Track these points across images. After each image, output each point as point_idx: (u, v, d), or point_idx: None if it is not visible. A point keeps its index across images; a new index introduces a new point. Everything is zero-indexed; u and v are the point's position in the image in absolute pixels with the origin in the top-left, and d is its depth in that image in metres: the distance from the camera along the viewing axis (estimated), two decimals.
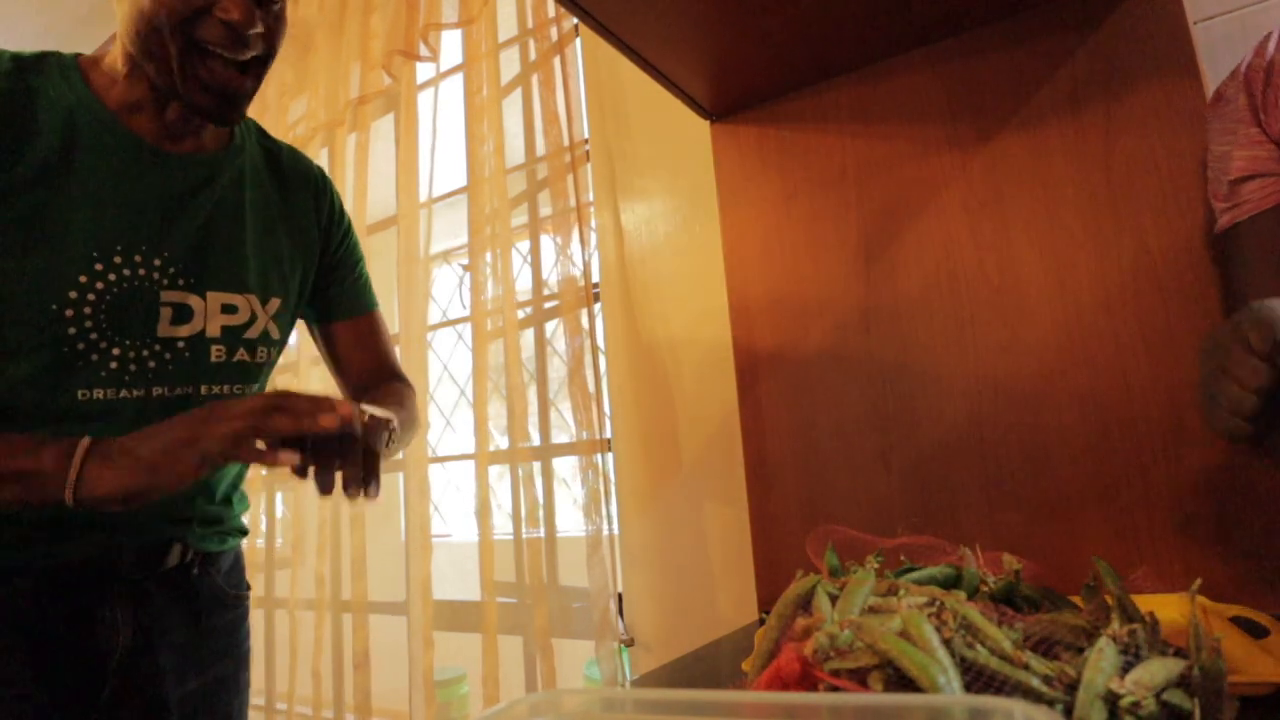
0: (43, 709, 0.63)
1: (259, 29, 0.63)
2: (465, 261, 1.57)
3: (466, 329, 1.63)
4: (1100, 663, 0.39)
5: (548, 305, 1.44)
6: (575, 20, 1.28)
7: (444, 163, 1.57)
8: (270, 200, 0.78)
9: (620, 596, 1.21)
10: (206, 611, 0.76)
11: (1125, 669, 0.39)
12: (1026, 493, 0.81)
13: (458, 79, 1.61)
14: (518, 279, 1.42)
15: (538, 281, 1.45)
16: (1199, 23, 0.81)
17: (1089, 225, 0.81)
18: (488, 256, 1.40)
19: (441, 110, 1.58)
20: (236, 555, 0.83)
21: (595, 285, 1.29)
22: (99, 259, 0.62)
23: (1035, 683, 0.39)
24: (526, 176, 1.47)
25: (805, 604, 0.52)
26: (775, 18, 0.85)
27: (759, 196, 1.03)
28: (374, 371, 0.88)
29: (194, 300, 0.68)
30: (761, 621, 0.68)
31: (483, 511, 1.37)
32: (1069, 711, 0.37)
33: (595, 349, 1.27)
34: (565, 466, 1.53)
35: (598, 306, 1.30)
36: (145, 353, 0.66)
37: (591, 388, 1.23)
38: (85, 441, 0.55)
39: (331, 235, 0.85)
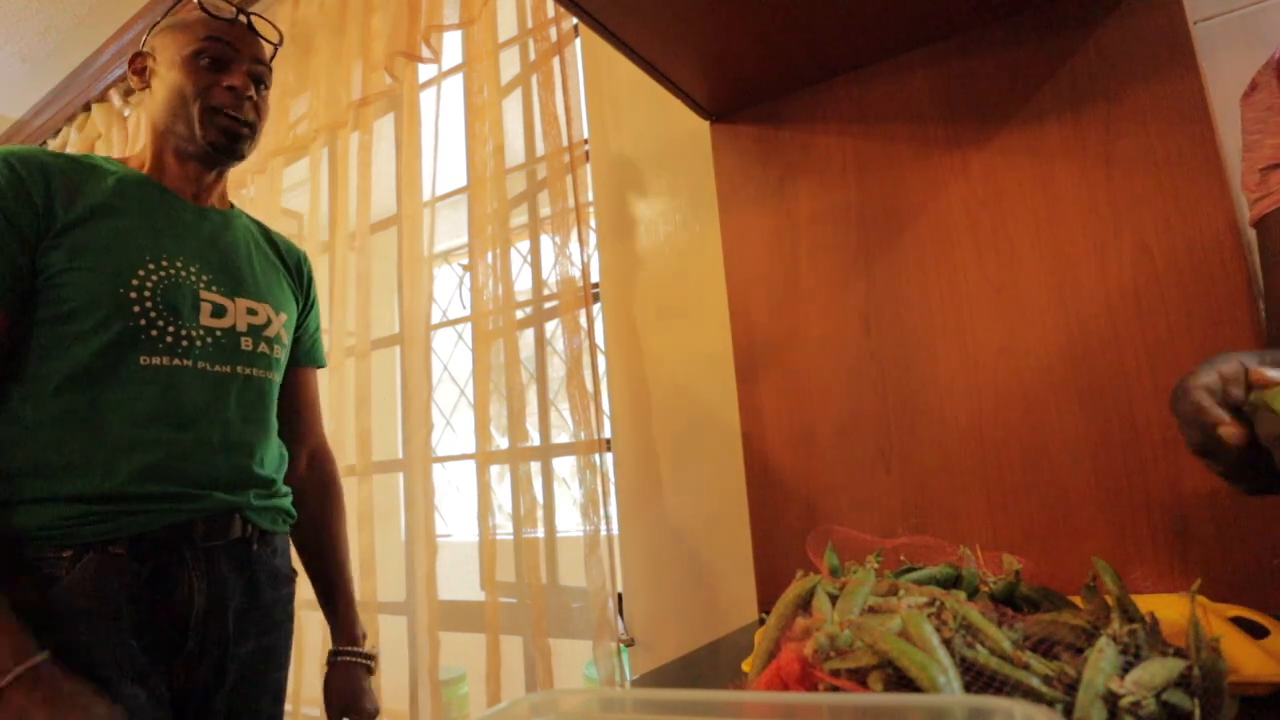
0: (139, 656, 0.76)
1: (252, 95, 0.91)
2: (465, 261, 1.57)
3: (466, 329, 1.63)
4: (1100, 663, 0.39)
5: (547, 305, 1.44)
6: (575, 20, 1.28)
7: (444, 163, 1.57)
8: (265, 252, 1.00)
9: (619, 596, 1.21)
10: (262, 584, 0.89)
11: (1125, 669, 0.39)
12: (1026, 493, 0.81)
13: (458, 79, 1.61)
14: (517, 279, 1.42)
15: (537, 281, 1.45)
16: (1199, 23, 0.81)
17: (1089, 225, 0.81)
18: (489, 257, 1.40)
19: (442, 110, 1.58)
20: (286, 541, 0.97)
21: (595, 285, 1.29)
22: (150, 260, 0.82)
23: (1035, 683, 0.39)
24: (526, 176, 1.47)
25: (805, 604, 0.52)
26: (775, 18, 0.85)
27: (759, 196, 1.03)
28: (312, 426, 1.07)
29: (226, 302, 0.89)
30: (761, 621, 0.68)
31: (483, 512, 1.37)
32: (1069, 711, 0.37)
33: (595, 349, 1.27)
34: (565, 466, 1.53)
35: (597, 306, 1.30)
36: (194, 333, 0.84)
37: (591, 388, 1.23)
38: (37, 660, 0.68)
39: (309, 296, 1.07)
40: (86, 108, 2.30)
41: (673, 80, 0.98)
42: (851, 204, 0.95)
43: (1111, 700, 0.37)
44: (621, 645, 1.18)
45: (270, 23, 0.99)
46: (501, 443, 1.38)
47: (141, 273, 0.81)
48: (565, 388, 1.26)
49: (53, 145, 2.43)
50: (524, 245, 1.50)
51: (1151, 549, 0.74)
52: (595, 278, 1.30)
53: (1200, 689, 0.38)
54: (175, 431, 0.81)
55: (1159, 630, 0.43)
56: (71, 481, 0.75)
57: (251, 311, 0.91)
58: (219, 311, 0.87)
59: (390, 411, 1.92)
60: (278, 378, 0.96)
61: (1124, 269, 0.78)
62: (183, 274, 0.85)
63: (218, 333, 0.87)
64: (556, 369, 1.47)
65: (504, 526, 1.36)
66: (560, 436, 1.43)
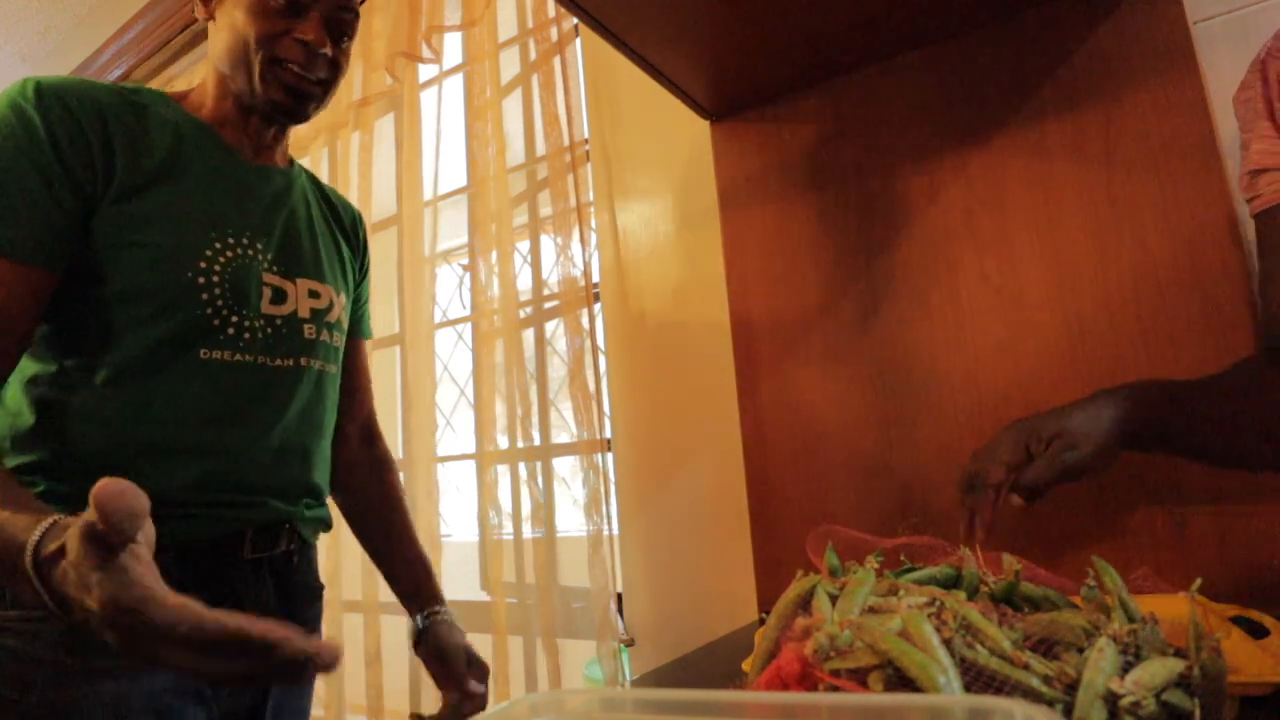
0: (186, 675, 0.65)
1: (328, 51, 0.76)
2: (465, 261, 1.57)
3: (466, 329, 1.63)
4: (1100, 663, 0.39)
5: (548, 305, 1.44)
6: (575, 20, 1.28)
7: (444, 163, 1.57)
8: (326, 217, 0.90)
9: (620, 596, 1.21)
10: (299, 601, 0.81)
11: (1125, 669, 0.39)
12: None
13: (458, 79, 1.61)
14: (518, 279, 1.42)
15: (538, 281, 1.45)
16: (1199, 23, 0.81)
17: (1089, 225, 0.81)
18: (490, 257, 1.41)
19: (442, 110, 1.58)
20: (316, 552, 0.89)
21: (595, 285, 1.29)
22: (216, 238, 0.72)
23: (1035, 683, 0.39)
24: (526, 176, 1.47)
25: (805, 604, 0.52)
26: (775, 18, 0.85)
27: (759, 196, 1.03)
28: (363, 400, 0.98)
29: (287, 285, 0.78)
30: (761, 621, 0.68)
31: (484, 512, 1.37)
32: (1069, 711, 0.37)
33: (595, 349, 1.27)
34: (565, 466, 1.53)
35: (598, 306, 1.30)
36: (256, 324, 0.74)
37: (591, 388, 1.23)
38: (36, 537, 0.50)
39: (364, 262, 0.97)
40: None
41: (673, 80, 0.98)
42: (851, 204, 0.95)
43: (1111, 700, 0.37)
44: (622, 645, 1.18)
45: None
46: (502, 443, 1.38)
47: (209, 252, 0.70)
48: (566, 388, 1.26)
49: None
50: (524, 245, 1.50)
51: (1151, 549, 0.74)
52: (596, 278, 1.30)
53: (1200, 689, 0.38)
54: (231, 434, 0.71)
55: (1159, 630, 0.43)
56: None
57: (313, 294, 0.80)
58: (279, 297, 0.77)
59: (390, 411, 1.92)
60: (337, 370, 0.86)
61: (1124, 269, 0.78)
62: (249, 252, 0.74)
63: (278, 321, 0.76)
64: (557, 369, 1.47)
65: (504, 526, 1.36)
66: (560, 436, 1.43)
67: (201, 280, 0.69)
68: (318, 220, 0.86)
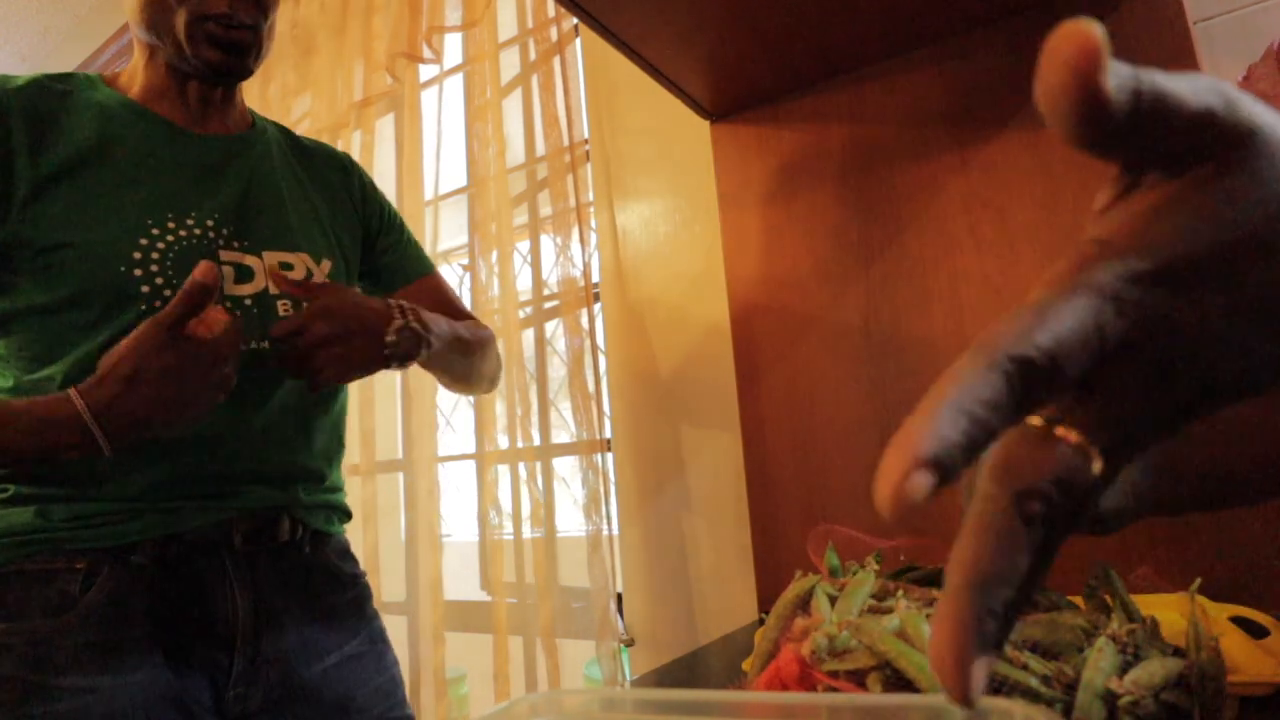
0: (175, 687, 0.64)
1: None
2: (465, 261, 1.57)
3: None
4: (1099, 662, 0.39)
5: (548, 305, 1.44)
6: (575, 20, 1.28)
7: (444, 163, 1.57)
8: (298, 173, 0.82)
9: (620, 596, 1.21)
10: (324, 590, 0.76)
11: (1124, 669, 0.39)
12: None
13: (458, 78, 1.61)
14: (518, 279, 1.43)
15: (538, 281, 1.45)
16: (1199, 23, 0.81)
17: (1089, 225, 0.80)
18: (490, 257, 1.41)
19: (441, 110, 1.58)
20: (346, 543, 0.84)
21: (595, 285, 1.29)
22: (154, 225, 0.67)
23: (1034, 683, 0.39)
24: (526, 176, 1.47)
25: (804, 604, 0.52)
26: (775, 18, 0.85)
27: (759, 196, 1.03)
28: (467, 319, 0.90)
29: (251, 260, 0.72)
30: (761, 621, 0.68)
31: (484, 512, 1.37)
32: (1068, 711, 0.37)
33: (595, 349, 1.27)
34: (565, 466, 1.53)
35: (598, 306, 1.30)
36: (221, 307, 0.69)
37: (591, 388, 1.23)
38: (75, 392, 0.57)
39: (369, 207, 0.89)
40: None
41: (673, 80, 0.98)
42: (851, 204, 0.95)
43: (1111, 700, 0.37)
44: (621, 645, 1.18)
45: None
46: (502, 443, 1.38)
47: (144, 241, 0.65)
48: (566, 388, 1.26)
49: None
50: (524, 245, 1.50)
51: (1151, 549, 0.74)
52: (595, 278, 1.30)
53: (1200, 689, 0.38)
54: (213, 420, 0.66)
55: (1159, 630, 0.43)
56: (81, 483, 0.63)
57: (284, 265, 0.74)
58: (244, 275, 0.71)
59: (390, 411, 1.92)
60: None
61: None
62: (195, 232, 0.68)
63: (246, 302, 0.71)
64: (556, 369, 1.47)
65: (504, 527, 1.36)
66: (560, 436, 1.43)
67: (138, 273, 0.64)
68: (287, 182, 0.80)
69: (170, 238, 0.67)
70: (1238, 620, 0.56)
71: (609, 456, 1.24)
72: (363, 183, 0.90)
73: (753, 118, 1.05)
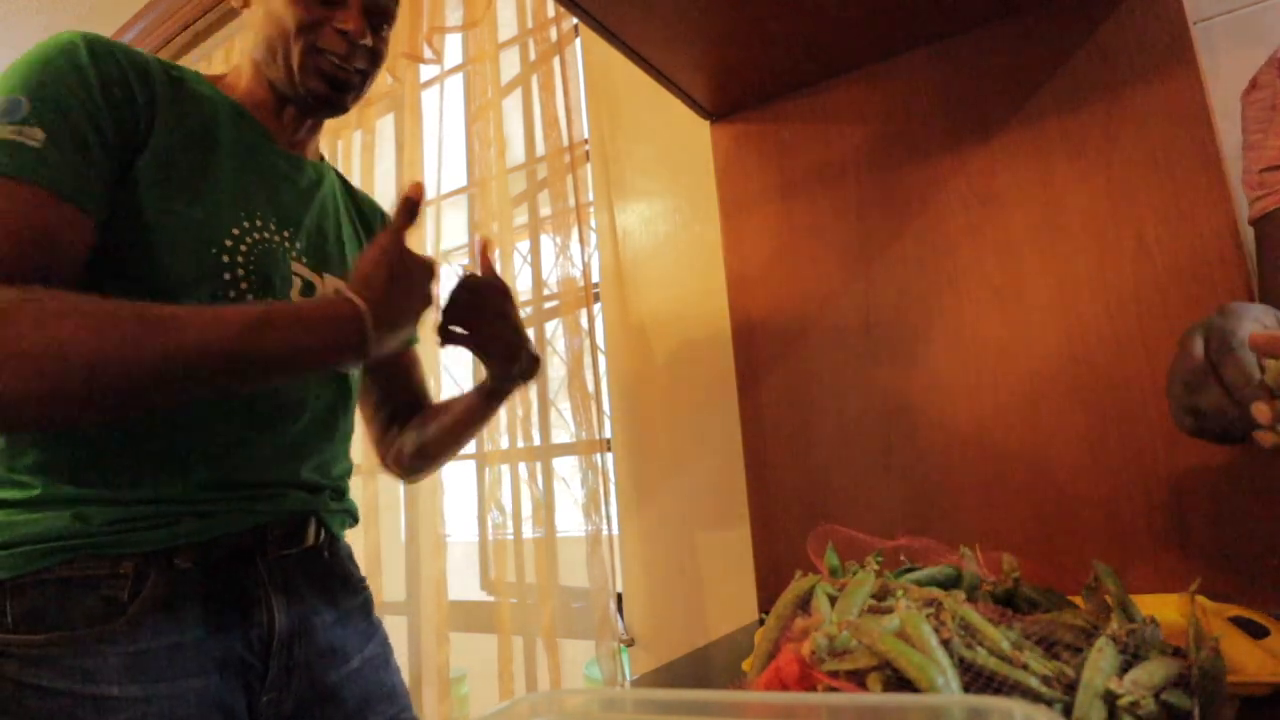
0: (223, 693, 0.63)
1: (368, 41, 0.74)
2: (465, 262, 1.57)
3: None
4: (1099, 662, 0.39)
5: (548, 305, 1.44)
6: (575, 20, 1.28)
7: (445, 163, 1.57)
8: (351, 215, 0.87)
9: (620, 596, 1.21)
10: (339, 594, 0.78)
11: (1124, 669, 0.39)
12: (1026, 493, 0.81)
13: (458, 78, 1.61)
14: (518, 279, 1.42)
15: (538, 281, 1.45)
16: (1199, 23, 0.81)
17: (1089, 225, 0.81)
18: (497, 256, 1.40)
19: (441, 110, 1.58)
20: (350, 548, 0.85)
21: (595, 285, 1.29)
22: (245, 218, 0.69)
23: (1034, 683, 0.39)
24: (526, 176, 1.47)
25: (805, 604, 0.52)
26: (775, 18, 0.85)
27: (759, 196, 1.03)
28: (410, 405, 0.94)
29: (315, 278, 0.75)
30: (761, 622, 0.68)
31: (484, 512, 1.37)
32: (1068, 711, 0.37)
33: (595, 349, 1.27)
34: (565, 466, 1.53)
35: (598, 306, 1.30)
36: None
37: (591, 388, 1.23)
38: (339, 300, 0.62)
39: None
40: None
41: (673, 80, 0.98)
42: (851, 204, 0.95)
43: (1110, 700, 0.37)
44: (621, 645, 1.18)
45: None
46: (502, 443, 1.38)
47: (236, 231, 0.67)
48: (566, 387, 1.26)
49: None
50: (524, 245, 1.50)
51: (1151, 549, 0.74)
52: (595, 278, 1.30)
53: (1199, 689, 0.38)
54: (252, 426, 0.68)
55: (1158, 630, 0.43)
56: (118, 485, 0.62)
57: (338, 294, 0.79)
58: (308, 290, 0.73)
59: None
60: (359, 371, 0.84)
61: (1124, 269, 0.78)
62: (276, 238, 0.71)
63: None
64: (556, 369, 1.47)
65: (505, 526, 1.36)
66: (560, 436, 1.43)
67: (225, 259, 0.66)
68: (344, 222, 0.84)
69: (255, 235, 0.69)
70: (1238, 620, 0.56)
71: (609, 456, 1.24)
72: None
73: (753, 118, 1.05)
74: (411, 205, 0.66)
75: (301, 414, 0.73)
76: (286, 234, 0.73)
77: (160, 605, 0.61)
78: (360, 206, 0.90)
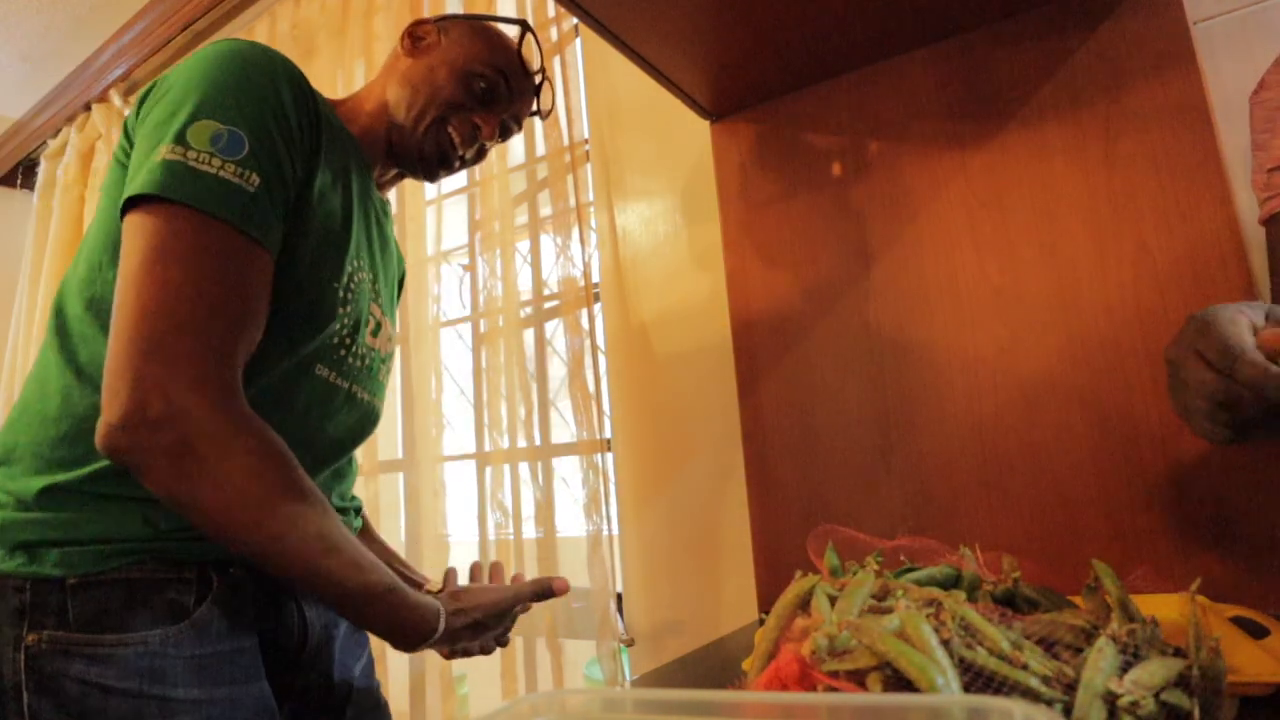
0: (271, 700, 0.66)
1: (487, 145, 0.81)
2: (465, 261, 1.57)
3: (464, 328, 1.63)
4: (1099, 662, 0.39)
5: (548, 305, 1.44)
6: (575, 20, 1.28)
7: None
8: (395, 262, 0.89)
9: (620, 596, 1.21)
10: None
11: (1124, 669, 0.39)
12: (1026, 493, 0.81)
13: None
14: (518, 278, 1.42)
15: (538, 281, 1.45)
16: (1199, 23, 0.81)
17: (1089, 225, 0.81)
18: (491, 256, 1.40)
19: None
20: None
21: (595, 285, 1.29)
22: (353, 257, 0.71)
23: (1034, 683, 0.39)
24: (526, 176, 1.47)
25: (805, 604, 0.52)
26: (775, 18, 0.85)
27: (759, 196, 1.03)
28: None
29: (385, 321, 0.79)
30: (761, 622, 0.68)
31: (484, 512, 1.37)
32: (1068, 711, 0.37)
33: (595, 349, 1.27)
34: (565, 466, 1.53)
35: (598, 306, 1.30)
36: (360, 351, 0.73)
37: (591, 388, 1.23)
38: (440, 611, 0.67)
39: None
40: (87, 108, 2.30)
41: (673, 80, 0.98)
42: (851, 204, 0.95)
43: (1110, 700, 0.37)
44: (622, 645, 1.18)
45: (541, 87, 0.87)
46: (502, 443, 1.38)
47: (349, 269, 0.70)
48: (566, 388, 1.26)
49: (52, 145, 2.43)
50: (524, 245, 1.50)
51: (1151, 549, 0.74)
52: (595, 278, 1.30)
53: (1199, 689, 0.38)
54: (324, 461, 0.72)
55: (1159, 630, 0.43)
56: None
57: (390, 337, 0.81)
58: (378, 331, 0.77)
59: (390, 411, 1.92)
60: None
61: (1124, 269, 0.78)
62: (367, 278, 0.74)
63: (372, 353, 0.76)
64: (557, 369, 1.47)
65: (505, 526, 1.36)
66: (560, 436, 1.43)
67: (342, 294, 0.69)
68: (396, 266, 0.88)
69: (358, 276, 0.72)
70: (1238, 620, 0.56)
71: (609, 456, 1.24)
72: (404, 289, 1.00)
73: (753, 118, 1.05)
74: (547, 593, 0.76)
75: (359, 442, 0.78)
76: (372, 275, 0.76)
77: (222, 611, 0.63)
78: (394, 249, 0.92)
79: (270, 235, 0.60)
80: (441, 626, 0.66)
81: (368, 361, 0.75)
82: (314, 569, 0.58)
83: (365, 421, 0.78)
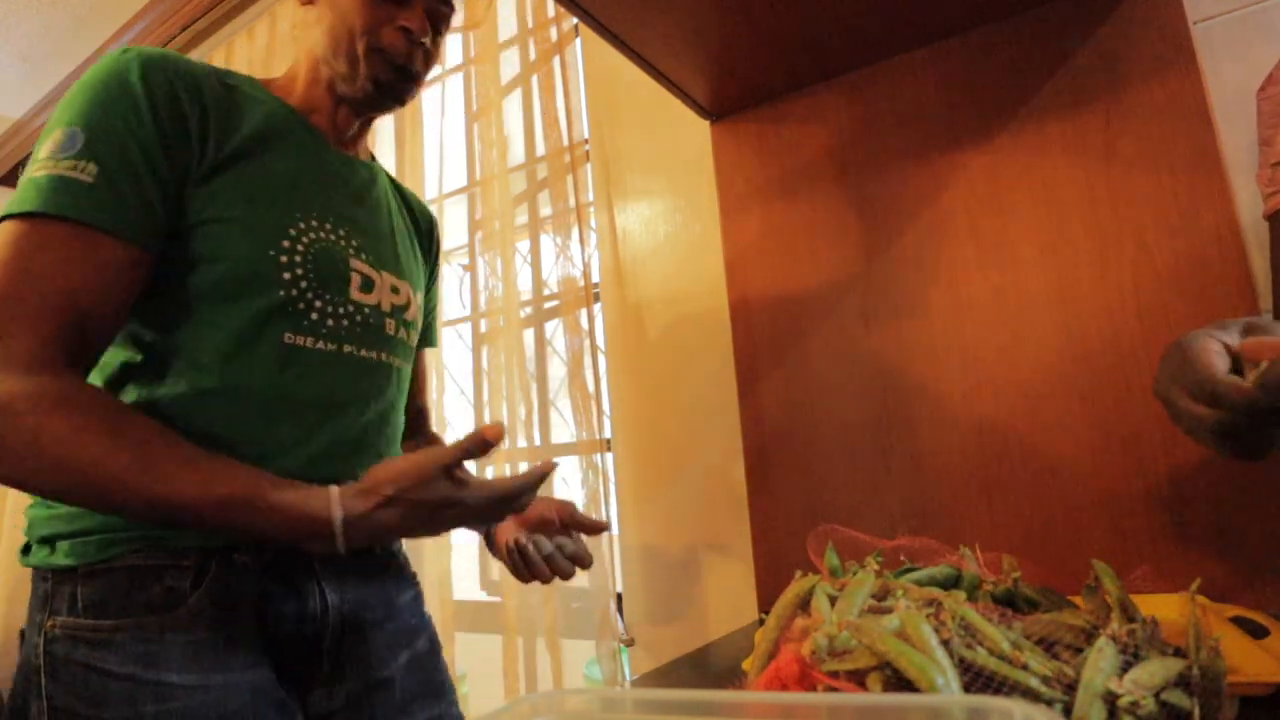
0: (276, 686, 0.66)
1: (428, 42, 0.77)
2: (465, 261, 1.57)
3: (464, 328, 1.63)
4: (1099, 662, 0.39)
5: (548, 305, 1.44)
6: (575, 20, 1.28)
7: (445, 163, 1.57)
8: (404, 217, 0.89)
9: (620, 596, 1.21)
10: (392, 591, 0.79)
11: (1124, 669, 0.39)
12: (1026, 493, 0.81)
13: (458, 78, 1.61)
14: (518, 278, 1.42)
15: (538, 281, 1.45)
16: (1199, 23, 0.81)
17: (1089, 225, 0.81)
18: (491, 257, 1.40)
19: (440, 110, 1.58)
20: (402, 544, 0.87)
21: (595, 285, 1.29)
22: (301, 219, 0.70)
23: (1034, 683, 0.39)
24: (526, 176, 1.47)
25: (804, 604, 0.52)
26: (775, 18, 0.85)
27: (759, 196, 1.03)
28: (421, 411, 0.98)
29: (374, 275, 0.76)
30: (761, 621, 0.68)
31: None
32: (1068, 711, 0.37)
33: (595, 349, 1.27)
34: (565, 466, 1.53)
35: (597, 306, 1.30)
36: (340, 310, 0.72)
37: (591, 388, 1.23)
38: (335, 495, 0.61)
39: (435, 266, 0.96)
40: None
41: (673, 80, 0.98)
42: (851, 204, 0.95)
43: (1110, 700, 0.37)
44: (622, 645, 1.18)
45: None
46: (502, 443, 1.38)
47: (293, 231, 0.69)
48: (566, 388, 1.26)
49: None
50: (524, 245, 1.50)
51: (1151, 549, 0.74)
52: (595, 278, 1.30)
53: (1199, 689, 0.38)
54: (314, 427, 0.69)
55: (1159, 630, 0.43)
56: None
57: (395, 289, 0.79)
58: (367, 285, 0.75)
59: None
60: (409, 370, 0.84)
61: (1124, 269, 0.78)
62: (332, 236, 0.72)
63: (366, 309, 0.74)
64: (556, 369, 1.47)
65: None
66: (560, 436, 1.43)
67: (284, 259, 0.67)
68: (397, 219, 0.85)
69: (311, 235, 0.70)
70: (1238, 620, 0.56)
71: (609, 456, 1.24)
72: (439, 242, 0.97)
73: (753, 118, 1.05)
74: (482, 444, 0.62)
75: (362, 413, 0.74)
76: (343, 232, 0.74)
77: (219, 597, 0.63)
78: (410, 206, 0.91)
79: (120, 216, 0.60)
80: (337, 513, 0.60)
81: (364, 318, 0.74)
82: (150, 502, 0.57)
83: (372, 377, 0.75)
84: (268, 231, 0.67)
